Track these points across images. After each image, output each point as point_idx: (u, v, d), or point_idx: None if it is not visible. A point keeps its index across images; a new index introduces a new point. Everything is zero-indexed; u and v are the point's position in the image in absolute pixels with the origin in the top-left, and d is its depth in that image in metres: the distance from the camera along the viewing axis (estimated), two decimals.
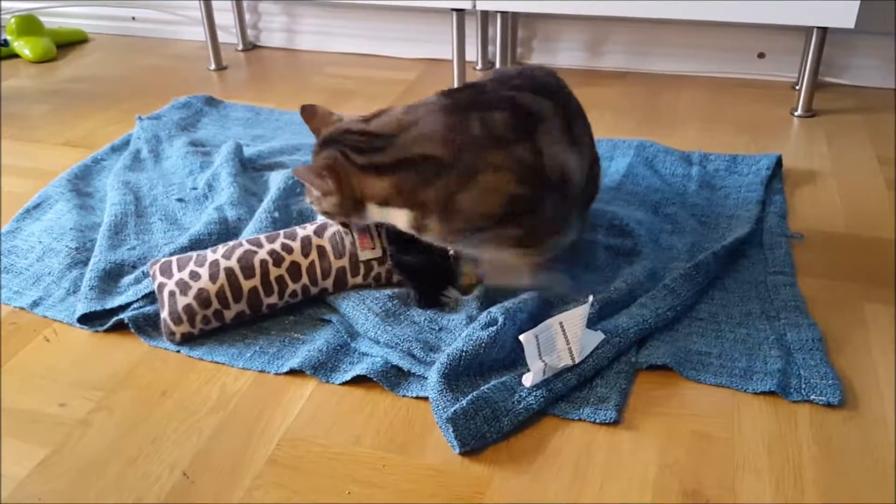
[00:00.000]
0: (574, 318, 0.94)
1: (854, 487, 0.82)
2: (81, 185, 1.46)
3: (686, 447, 0.88)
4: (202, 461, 0.87)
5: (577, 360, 0.94)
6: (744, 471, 0.84)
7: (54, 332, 1.09)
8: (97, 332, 1.08)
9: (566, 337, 0.94)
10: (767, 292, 1.12)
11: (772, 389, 0.94)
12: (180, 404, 0.96)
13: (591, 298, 0.97)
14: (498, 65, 1.85)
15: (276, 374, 1.00)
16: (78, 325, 1.09)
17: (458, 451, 0.87)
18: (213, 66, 2.12)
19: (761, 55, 1.94)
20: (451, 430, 0.87)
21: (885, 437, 0.88)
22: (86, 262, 1.20)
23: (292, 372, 0.99)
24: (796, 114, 1.74)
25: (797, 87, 1.81)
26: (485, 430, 0.88)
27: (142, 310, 1.09)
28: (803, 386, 0.94)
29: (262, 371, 1.00)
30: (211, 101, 1.84)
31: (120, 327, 1.08)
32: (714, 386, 0.96)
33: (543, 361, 0.92)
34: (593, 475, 0.84)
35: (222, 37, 2.16)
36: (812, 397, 0.93)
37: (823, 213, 1.34)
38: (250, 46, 2.28)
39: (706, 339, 1.03)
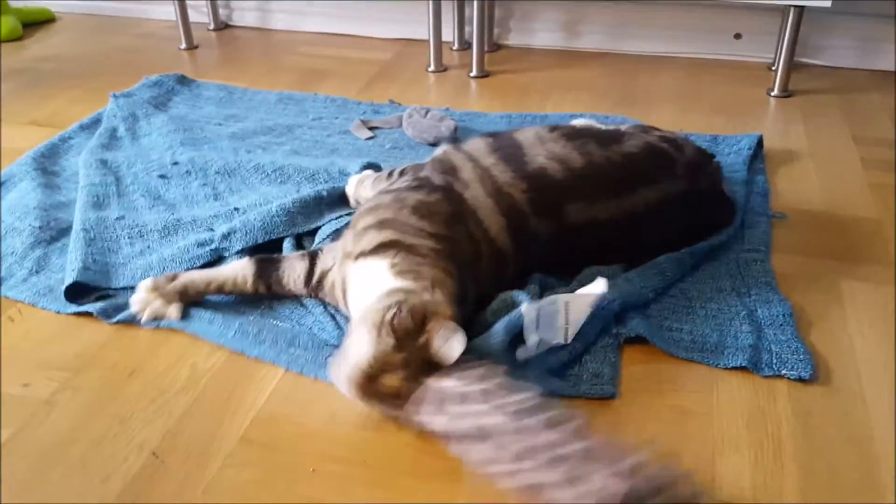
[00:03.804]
0: (580, 305, 0.92)
1: (832, 461, 0.82)
2: (47, 163, 1.42)
3: (665, 422, 0.87)
4: (172, 441, 0.85)
5: (568, 341, 0.93)
6: (723, 445, 0.84)
7: (19, 311, 1.06)
8: (61, 313, 1.05)
9: (567, 317, 0.92)
10: (738, 269, 1.11)
11: (742, 364, 0.93)
12: (149, 384, 0.93)
13: (604, 286, 0.94)
14: (475, 46, 1.82)
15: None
16: (64, 300, 1.05)
17: None
18: (184, 46, 2.07)
19: (738, 36, 1.94)
20: None
21: (861, 411, 0.88)
22: (49, 242, 1.17)
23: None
24: (773, 94, 1.74)
25: (774, 68, 1.81)
26: None
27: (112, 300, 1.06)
28: (774, 361, 0.94)
29: (242, 352, 0.97)
30: (183, 80, 1.80)
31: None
32: (688, 361, 0.95)
33: (539, 336, 0.90)
34: None
35: (193, 16, 2.11)
36: (783, 372, 0.93)
37: (801, 192, 1.34)
38: (222, 26, 2.24)
39: (677, 314, 1.03)
